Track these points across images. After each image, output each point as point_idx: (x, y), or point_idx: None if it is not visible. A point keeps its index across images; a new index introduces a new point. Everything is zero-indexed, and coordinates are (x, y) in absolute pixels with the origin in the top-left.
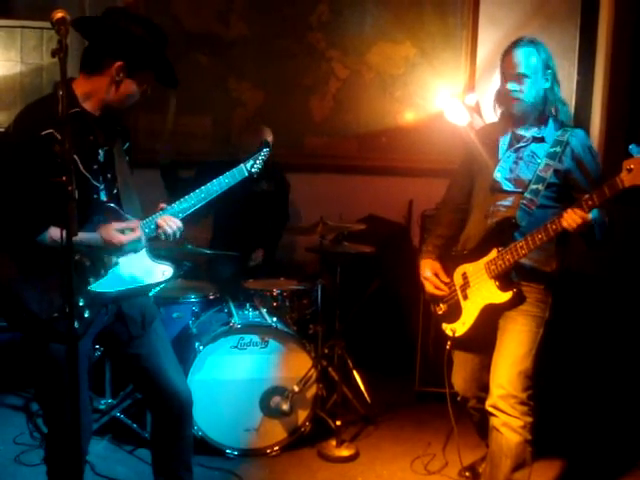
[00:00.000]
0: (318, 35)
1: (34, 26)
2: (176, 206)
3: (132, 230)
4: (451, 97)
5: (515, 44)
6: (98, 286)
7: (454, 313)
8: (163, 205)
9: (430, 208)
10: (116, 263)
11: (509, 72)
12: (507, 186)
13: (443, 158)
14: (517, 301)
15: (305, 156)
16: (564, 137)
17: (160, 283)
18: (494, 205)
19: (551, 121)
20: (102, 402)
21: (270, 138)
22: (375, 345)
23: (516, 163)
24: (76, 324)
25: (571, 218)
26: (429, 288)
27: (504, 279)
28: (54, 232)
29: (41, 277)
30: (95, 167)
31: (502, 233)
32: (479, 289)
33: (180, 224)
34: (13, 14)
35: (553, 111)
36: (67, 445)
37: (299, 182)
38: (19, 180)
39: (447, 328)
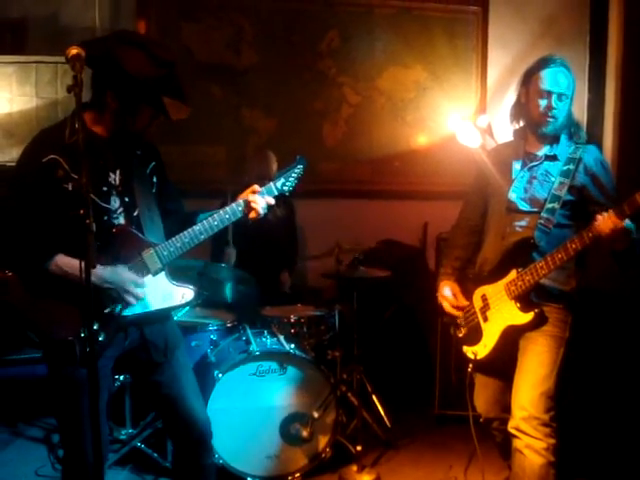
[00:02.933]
0: (329, 62)
1: (48, 61)
2: (200, 227)
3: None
4: (463, 119)
5: (550, 62)
6: (113, 309)
7: (475, 336)
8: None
9: (445, 231)
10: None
11: (547, 90)
12: (523, 206)
13: (457, 180)
14: (539, 322)
15: (319, 182)
16: (576, 154)
17: (180, 306)
18: (510, 226)
19: (563, 139)
20: (123, 432)
21: (274, 167)
22: (394, 369)
23: (530, 182)
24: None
25: (605, 223)
26: (447, 307)
27: (525, 300)
28: (60, 260)
29: (52, 301)
30: (105, 189)
31: (521, 254)
32: (499, 311)
33: (272, 201)
34: (27, 50)
35: (571, 131)
36: (82, 467)
37: (313, 208)
38: (24, 208)
39: (468, 351)
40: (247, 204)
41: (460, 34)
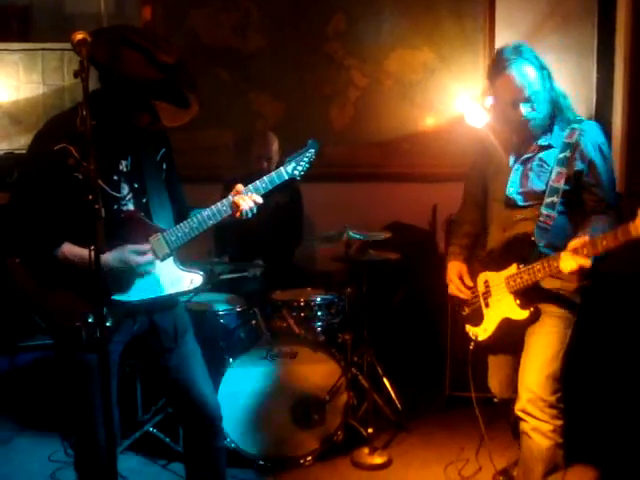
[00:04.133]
0: (335, 45)
1: (54, 48)
2: (208, 211)
3: (144, 253)
4: (471, 101)
5: (504, 64)
6: (120, 295)
7: (477, 317)
8: (240, 186)
9: (454, 213)
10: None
11: (513, 98)
12: (521, 201)
13: (466, 162)
14: (535, 319)
15: (327, 165)
16: (572, 138)
17: (188, 292)
18: (510, 219)
19: (556, 125)
20: (135, 417)
21: (274, 147)
22: (404, 351)
23: (526, 176)
24: (99, 333)
25: (568, 264)
26: (452, 290)
27: (523, 297)
28: (67, 248)
29: (59, 288)
30: (115, 178)
31: (521, 249)
32: (499, 301)
33: (260, 200)
34: (33, 37)
35: (556, 112)
36: (95, 452)
37: (322, 192)
38: (34, 196)
39: (470, 330)
40: (232, 204)
41: (467, 15)
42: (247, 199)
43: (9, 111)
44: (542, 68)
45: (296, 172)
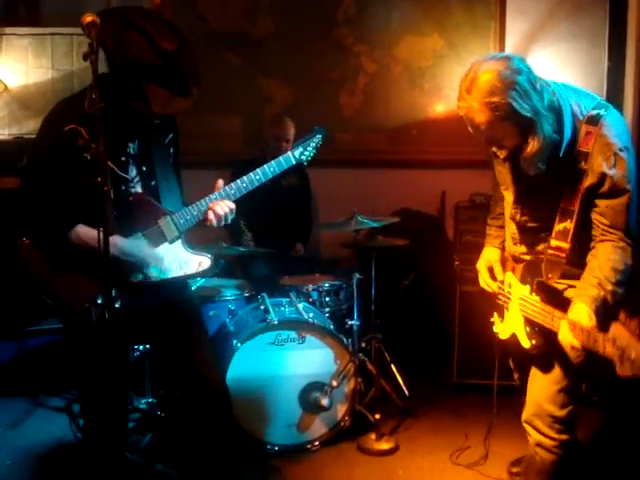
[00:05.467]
0: (345, 30)
1: (64, 32)
2: (216, 195)
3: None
4: None
5: (471, 84)
6: (129, 277)
7: (501, 313)
8: (221, 181)
9: (463, 200)
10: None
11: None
12: (529, 222)
13: (474, 149)
14: (539, 355)
15: (336, 151)
16: (589, 145)
17: (196, 274)
18: (519, 237)
19: (566, 128)
20: (142, 401)
21: (292, 131)
22: (412, 338)
23: (533, 194)
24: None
25: (564, 336)
26: (480, 282)
27: (531, 327)
28: (81, 230)
29: (70, 270)
30: (123, 159)
31: (534, 271)
32: (514, 315)
33: (233, 206)
34: (42, 21)
35: (561, 111)
36: (104, 435)
37: (331, 178)
38: (45, 178)
39: (496, 322)
40: (209, 209)
41: (478, 1)
42: (223, 205)
43: (18, 96)
44: (531, 82)
45: (303, 157)
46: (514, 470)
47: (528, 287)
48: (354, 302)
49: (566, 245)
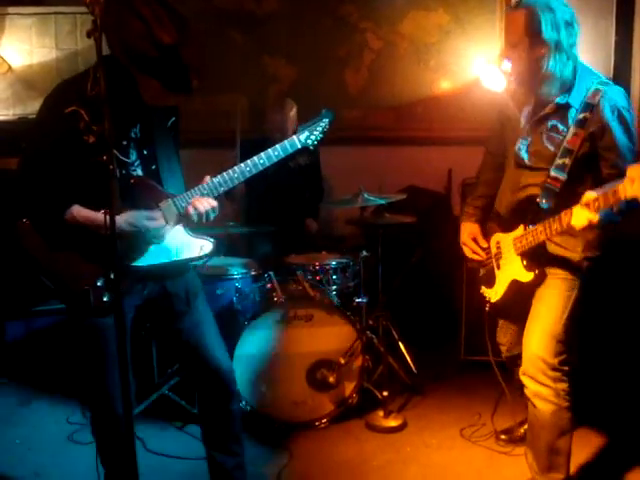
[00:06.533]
0: (350, 7)
1: (67, 12)
2: (219, 178)
3: (155, 219)
4: (487, 63)
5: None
6: (130, 260)
7: (490, 279)
8: (207, 178)
9: (470, 177)
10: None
11: (529, 35)
12: (530, 161)
13: (481, 126)
14: (540, 282)
15: (342, 129)
16: (595, 99)
17: (197, 258)
18: (519, 181)
19: (576, 85)
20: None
21: (293, 112)
22: (419, 315)
23: (539, 135)
24: (107, 297)
25: (577, 219)
26: (467, 253)
27: (529, 258)
28: (77, 211)
29: (69, 252)
30: (124, 143)
31: (528, 211)
32: (509, 263)
33: (215, 204)
34: (45, 1)
35: (580, 71)
36: (111, 415)
37: (337, 155)
38: (44, 159)
39: (485, 292)
40: (190, 203)
41: None
42: (204, 202)
43: (22, 76)
44: (568, 24)
45: (309, 141)
46: (503, 437)
47: (521, 227)
48: (361, 280)
49: (563, 177)
